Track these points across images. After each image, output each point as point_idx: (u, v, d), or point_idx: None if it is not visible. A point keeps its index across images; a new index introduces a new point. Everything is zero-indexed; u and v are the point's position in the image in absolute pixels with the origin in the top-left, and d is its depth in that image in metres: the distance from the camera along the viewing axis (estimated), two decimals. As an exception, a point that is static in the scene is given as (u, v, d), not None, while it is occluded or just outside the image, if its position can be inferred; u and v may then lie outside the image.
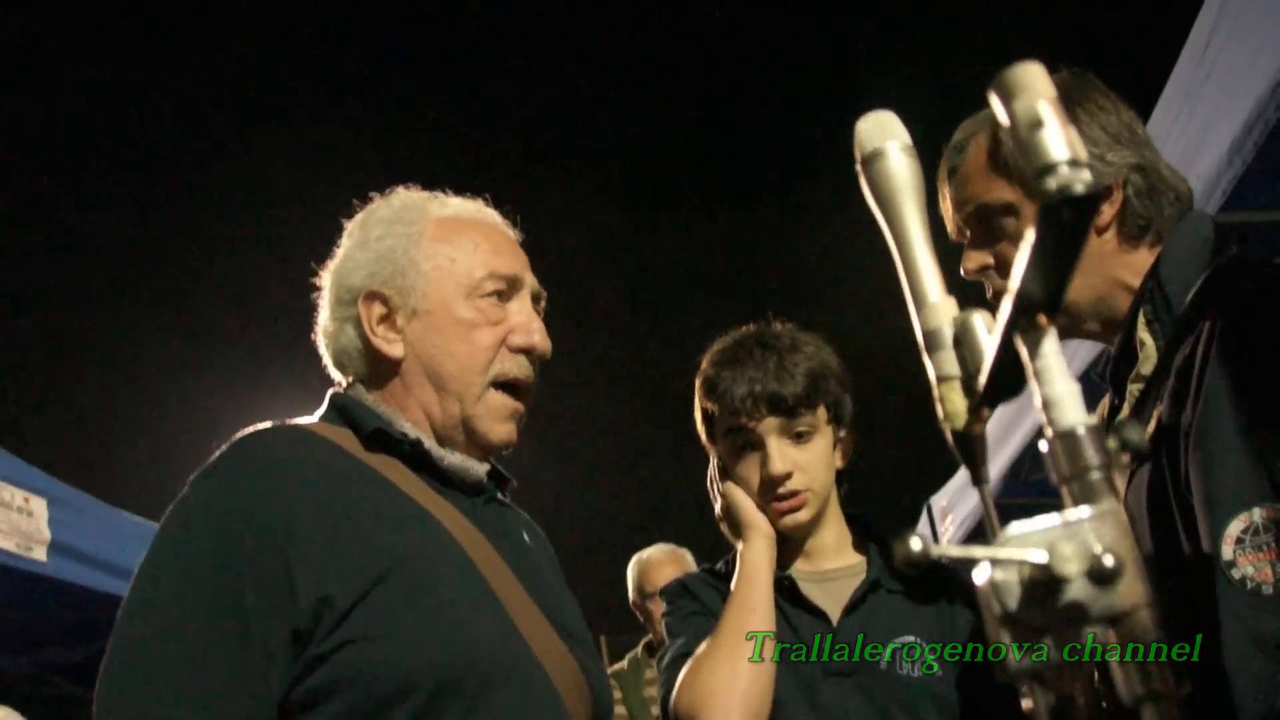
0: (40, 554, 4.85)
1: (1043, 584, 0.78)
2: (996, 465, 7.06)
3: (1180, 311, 1.81)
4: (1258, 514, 1.55)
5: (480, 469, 1.97)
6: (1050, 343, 0.85)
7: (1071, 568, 0.76)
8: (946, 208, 2.05)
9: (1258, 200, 4.19)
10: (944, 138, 2.07)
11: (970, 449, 1.00)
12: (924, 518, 9.98)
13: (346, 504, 1.75)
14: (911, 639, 2.19)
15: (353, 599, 1.64)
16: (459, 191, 2.12)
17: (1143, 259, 1.91)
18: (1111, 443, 0.83)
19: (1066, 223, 0.73)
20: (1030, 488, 7.39)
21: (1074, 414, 0.82)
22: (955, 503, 8.82)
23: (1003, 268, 1.97)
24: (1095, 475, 0.81)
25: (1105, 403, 2.08)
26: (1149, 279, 1.88)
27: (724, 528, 2.38)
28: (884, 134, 1.09)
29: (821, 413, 2.29)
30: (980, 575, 0.81)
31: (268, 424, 1.87)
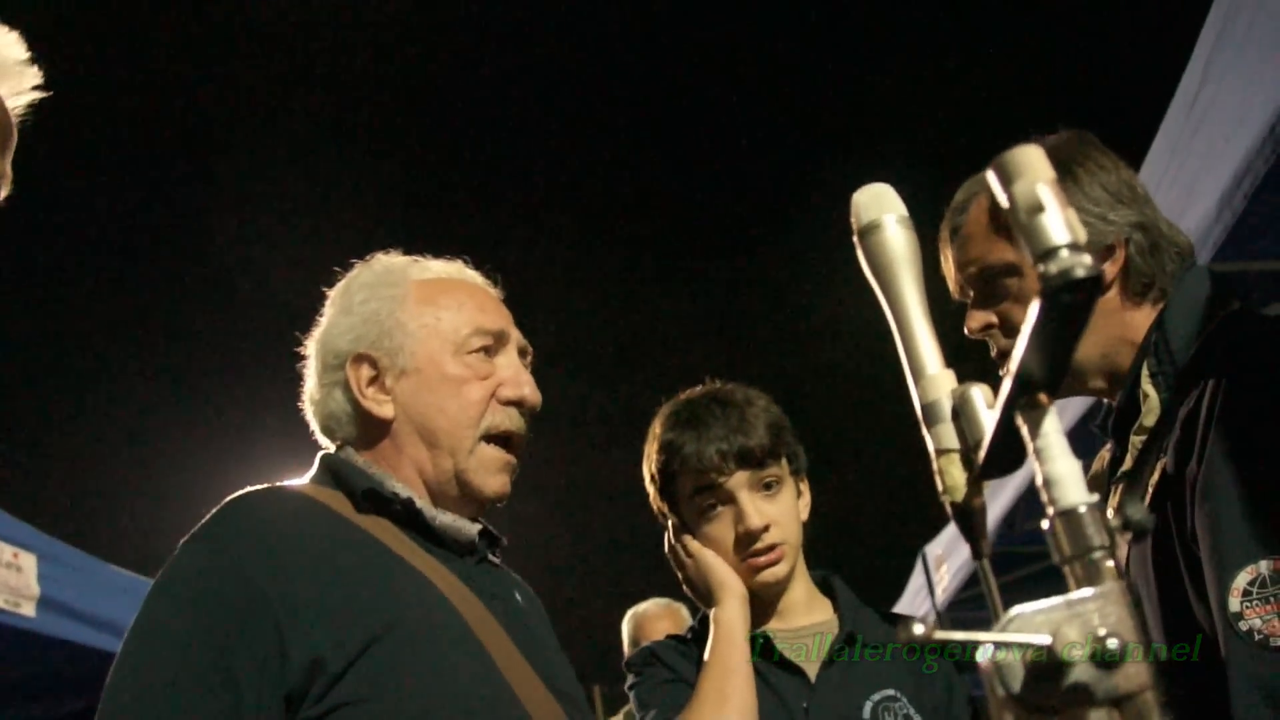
0: (29, 609, 4.80)
1: (1047, 666, 0.77)
2: (991, 514, 7.06)
3: (1183, 364, 1.82)
4: (1264, 566, 1.55)
5: (472, 529, 1.97)
6: (1051, 421, 0.85)
7: (1076, 652, 0.75)
8: (949, 267, 2.07)
9: (1247, 251, 4.22)
10: (933, 193, 2.08)
11: (970, 522, 1.00)
12: (919, 566, 9.95)
13: (338, 566, 1.75)
14: (891, 691, 2.18)
15: (345, 661, 1.63)
16: (452, 244, 2.15)
17: (1145, 315, 1.92)
18: (1114, 521, 0.83)
19: (1068, 305, 0.73)
20: (1025, 537, 7.38)
21: (1076, 494, 0.82)
22: (950, 551, 8.79)
23: (1006, 326, 1.98)
24: (1098, 555, 0.81)
25: (1105, 455, 2.08)
26: (1152, 332, 1.89)
27: (689, 591, 2.36)
28: (881, 207, 1.09)
29: (785, 463, 2.30)
30: (983, 656, 0.80)
31: (258, 486, 1.87)
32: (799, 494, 2.35)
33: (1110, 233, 1.91)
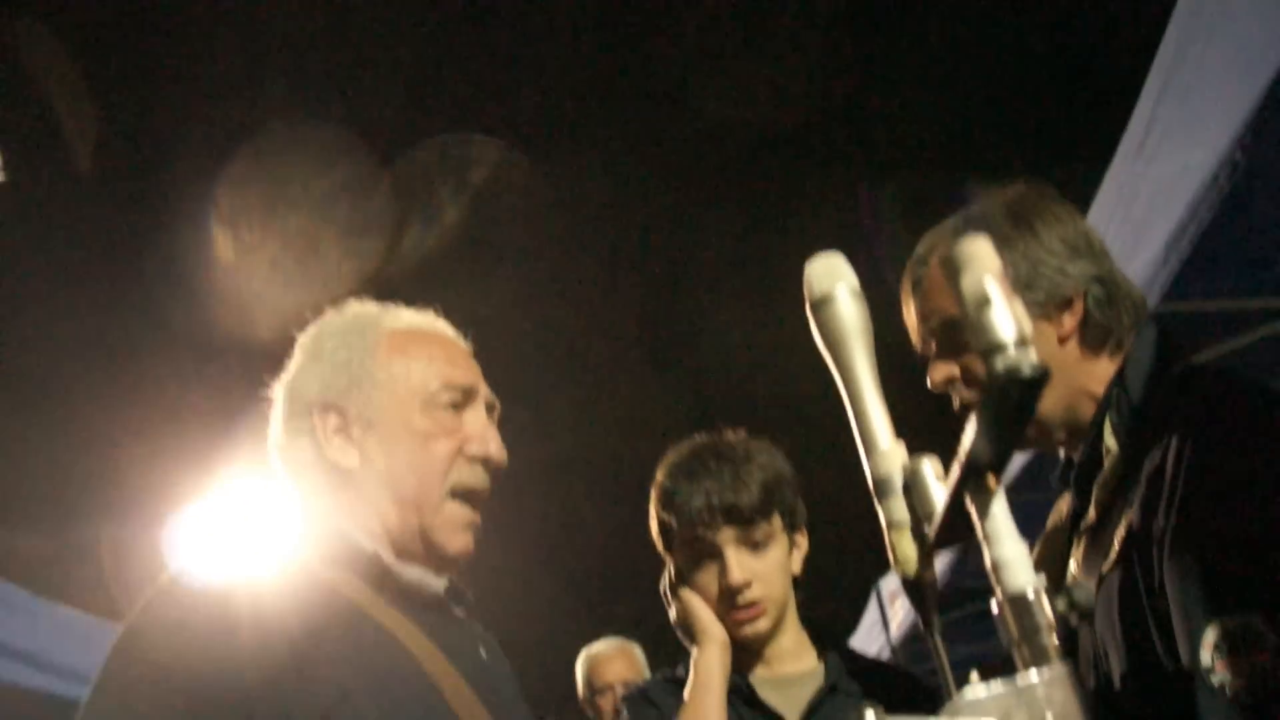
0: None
1: (997, 753, 0.78)
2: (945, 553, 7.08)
3: (1143, 418, 1.84)
4: (1234, 621, 1.55)
5: (438, 584, 1.95)
6: (999, 504, 0.86)
7: (1024, 741, 0.76)
8: (910, 318, 2.07)
9: (1194, 292, 4.31)
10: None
11: (921, 596, 1.01)
12: (873, 600, 9.99)
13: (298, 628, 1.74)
14: None
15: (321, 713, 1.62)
16: (407, 287, 2.15)
17: (1104, 367, 1.94)
18: (1060, 605, 0.84)
19: (1015, 400, 0.74)
20: (977, 571, 7.42)
21: (1024, 577, 0.83)
22: (905, 586, 8.82)
23: (968, 378, 1.99)
24: (1044, 638, 0.82)
25: (1063, 507, 2.09)
26: (1113, 387, 1.90)
27: (680, 634, 2.39)
28: (833, 277, 1.11)
29: (776, 520, 2.31)
30: (935, 741, 0.81)
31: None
32: (793, 547, 2.37)
33: (1068, 285, 1.92)
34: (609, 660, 5.11)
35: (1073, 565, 1.91)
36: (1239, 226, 3.89)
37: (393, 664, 1.77)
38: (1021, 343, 0.73)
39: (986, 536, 0.85)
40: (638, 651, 5.16)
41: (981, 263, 0.77)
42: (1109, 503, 1.86)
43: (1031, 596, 0.83)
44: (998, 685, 0.81)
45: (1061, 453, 2.04)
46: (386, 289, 2.16)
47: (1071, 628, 1.93)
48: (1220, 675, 1.55)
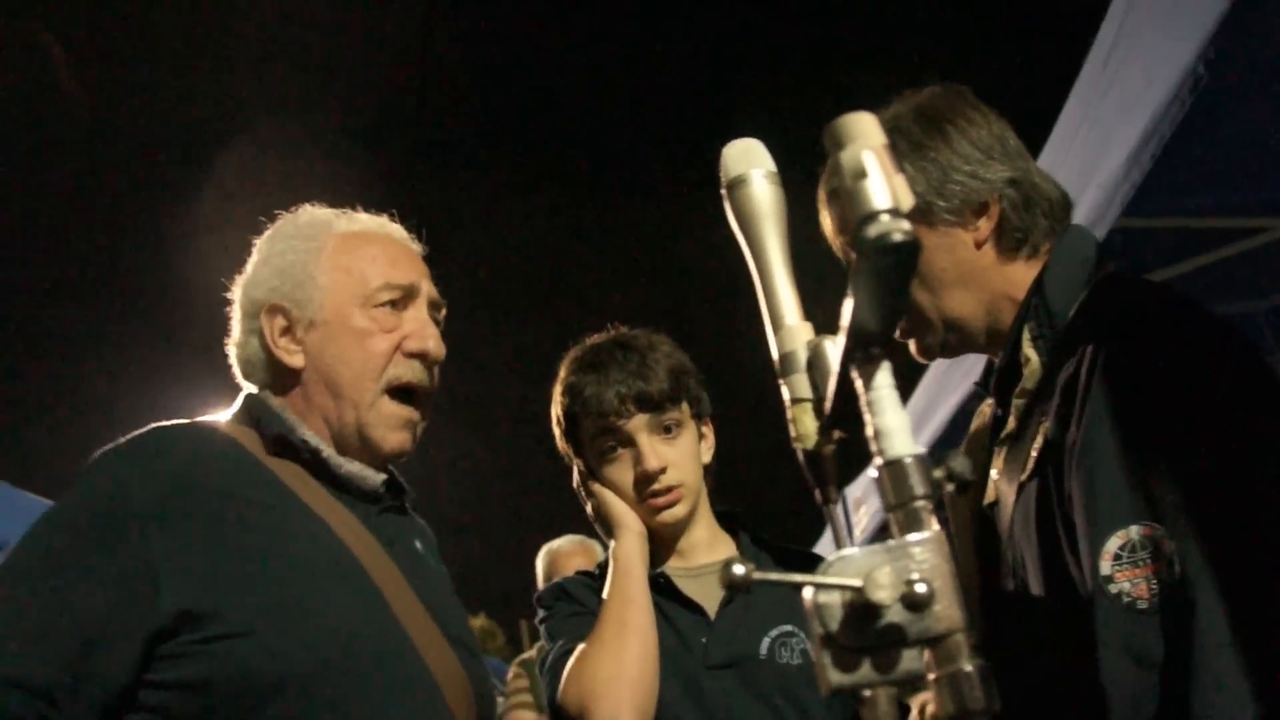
0: (-65, 535, 4.75)
1: (862, 607, 0.82)
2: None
3: (1062, 328, 1.86)
4: (1135, 531, 1.59)
5: (376, 478, 2.02)
6: (883, 375, 0.89)
7: (884, 595, 0.80)
8: (828, 228, 2.08)
9: (1154, 208, 4.34)
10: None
11: (819, 469, 1.04)
12: (838, 508, 10.10)
13: (237, 503, 1.80)
14: (789, 627, 2.26)
15: (226, 597, 1.69)
16: (371, 196, 2.19)
17: (1022, 271, 1.95)
18: (938, 473, 0.87)
19: (887, 268, 0.77)
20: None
21: (902, 445, 0.86)
22: (869, 494, 8.93)
23: None
24: (919, 504, 0.85)
25: (986, 410, 2.12)
26: (1031, 295, 1.91)
27: (597, 528, 2.43)
28: (749, 161, 1.12)
29: (685, 408, 2.36)
30: (806, 596, 0.85)
31: (178, 421, 1.92)
32: (701, 437, 2.40)
33: (983, 190, 1.92)
34: (569, 555, 5.19)
35: (994, 473, 1.95)
36: (1201, 143, 3.90)
37: (322, 548, 1.85)
38: (894, 212, 0.75)
39: (869, 405, 0.88)
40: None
41: (863, 136, 0.78)
42: (1027, 413, 1.89)
43: (908, 463, 0.86)
44: (873, 546, 0.85)
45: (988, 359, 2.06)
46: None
47: (949, 496, 1.97)
48: (1119, 585, 1.59)
